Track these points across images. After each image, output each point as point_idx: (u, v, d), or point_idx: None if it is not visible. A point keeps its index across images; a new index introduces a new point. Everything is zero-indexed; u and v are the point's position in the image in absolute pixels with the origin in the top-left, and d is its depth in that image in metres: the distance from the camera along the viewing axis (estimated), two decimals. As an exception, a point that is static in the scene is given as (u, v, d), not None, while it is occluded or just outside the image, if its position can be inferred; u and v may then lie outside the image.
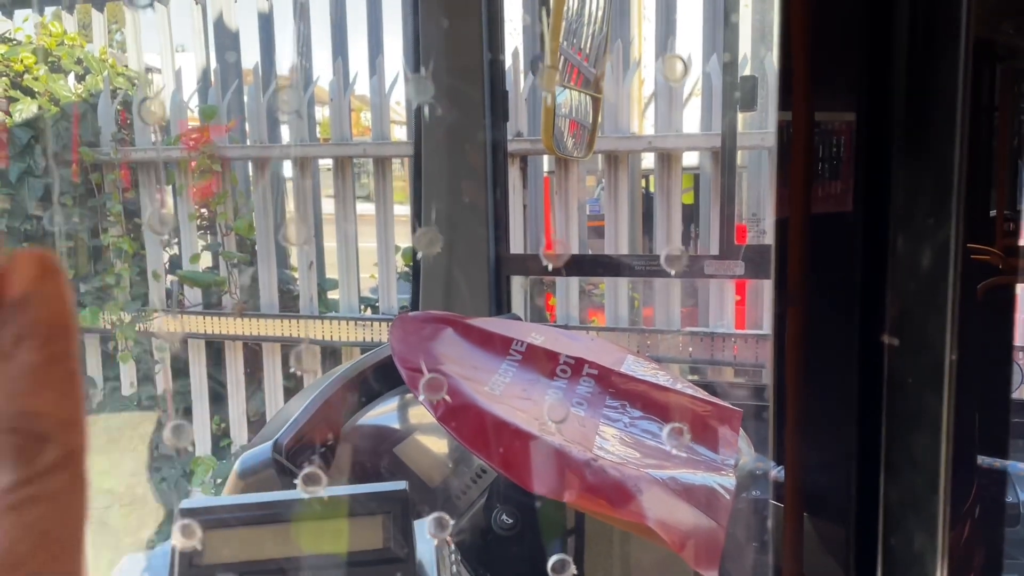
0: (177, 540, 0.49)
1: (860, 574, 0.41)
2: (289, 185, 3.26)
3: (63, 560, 0.20)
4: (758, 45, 2.46)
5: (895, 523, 0.39)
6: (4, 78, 3.19)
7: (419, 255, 1.71)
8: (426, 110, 1.64)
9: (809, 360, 0.45)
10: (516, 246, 2.52)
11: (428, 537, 0.67)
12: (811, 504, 0.46)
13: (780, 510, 0.51)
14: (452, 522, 0.50)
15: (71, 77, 3.33)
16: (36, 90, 3.21)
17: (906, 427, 0.38)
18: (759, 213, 2.50)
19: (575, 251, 2.63)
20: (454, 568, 0.68)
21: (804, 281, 0.46)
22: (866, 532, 0.41)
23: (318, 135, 3.31)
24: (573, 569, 0.41)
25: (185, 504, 0.61)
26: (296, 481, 0.39)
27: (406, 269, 3.08)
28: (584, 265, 1.87)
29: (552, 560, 0.41)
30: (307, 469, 0.39)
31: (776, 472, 1.17)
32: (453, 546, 0.71)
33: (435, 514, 0.49)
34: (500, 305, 1.73)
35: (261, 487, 0.87)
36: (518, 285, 2.35)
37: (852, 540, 0.41)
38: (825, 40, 0.47)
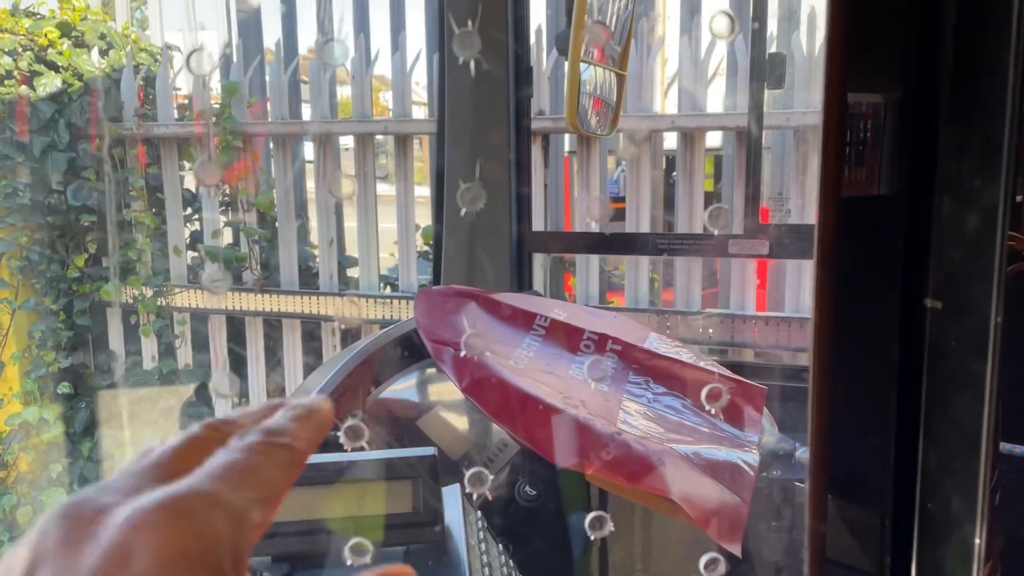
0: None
1: (896, 538, 0.41)
2: (309, 167, 3.27)
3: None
4: (785, 23, 2.43)
5: (933, 488, 0.39)
6: (28, 52, 3.21)
7: (443, 234, 1.71)
8: (448, 88, 1.63)
9: (842, 334, 0.44)
10: (537, 225, 2.51)
11: (455, 503, 0.68)
12: (844, 473, 0.46)
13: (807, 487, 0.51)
14: (491, 476, 0.50)
15: (95, 52, 3.35)
16: (60, 64, 3.23)
17: (948, 391, 0.38)
18: (785, 192, 2.48)
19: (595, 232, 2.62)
20: (480, 534, 0.68)
21: (836, 254, 0.46)
22: (903, 497, 0.41)
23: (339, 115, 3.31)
24: (611, 526, 0.41)
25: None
26: (339, 434, 0.39)
27: (426, 248, 3.08)
28: (608, 243, 1.86)
29: (589, 517, 0.41)
30: (349, 422, 0.39)
31: (800, 452, 1.17)
32: (479, 513, 0.72)
33: (474, 469, 0.50)
34: (522, 283, 1.73)
35: (288, 454, 0.88)
36: (538, 265, 2.35)
37: (888, 505, 0.41)
38: (873, 11, 0.46)
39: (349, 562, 0.36)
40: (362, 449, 0.38)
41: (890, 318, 0.41)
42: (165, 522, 0.28)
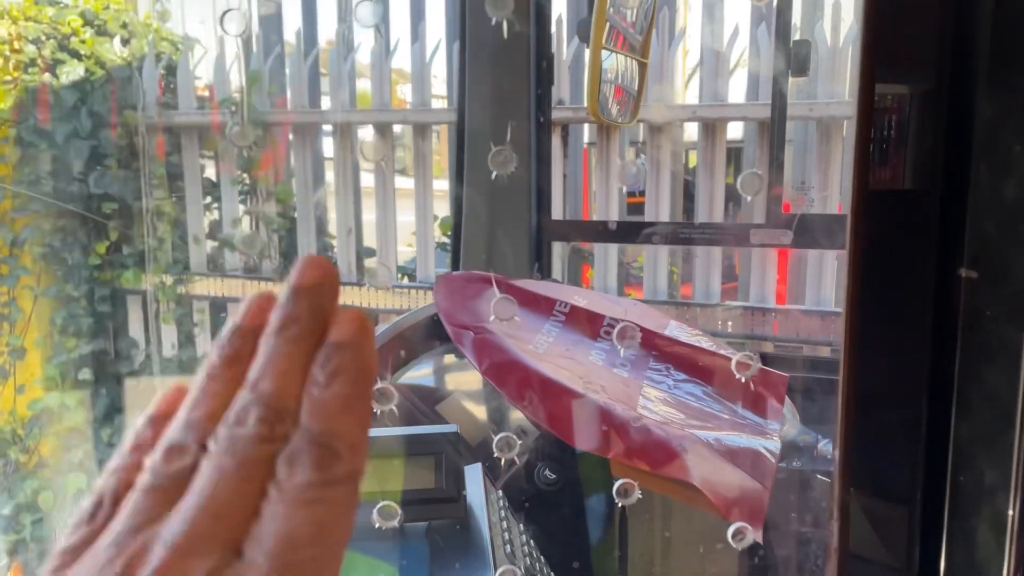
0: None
1: (926, 510, 0.40)
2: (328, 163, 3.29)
3: (330, 557, 0.24)
4: (809, 12, 2.41)
5: (965, 459, 0.38)
6: (52, 40, 3.24)
7: (462, 223, 1.71)
8: (469, 76, 1.63)
9: (873, 304, 0.44)
10: (556, 216, 2.50)
11: (477, 482, 0.68)
12: (876, 445, 0.45)
13: (831, 476, 0.51)
14: (520, 441, 0.50)
15: (117, 41, 3.37)
16: (83, 53, 3.25)
17: (981, 361, 0.37)
18: (807, 183, 2.47)
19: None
20: (502, 512, 0.68)
21: (866, 221, 0.45)
22: (934, 468, 0.40)
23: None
24: (638, 493, 0.41)
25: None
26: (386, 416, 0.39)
27: (444, 239, 3.09)
28: (628, 232, 1.86)
29: (617, 483, 0.41)
30: (379, 384, 0.39)
31: (822, 445, 1.16)
32: (501, 492, 0.72)
33: (503, 434, 0.50)
34: (541, 271, 1.73)
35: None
36: (556, 255, 2.34)
37: (920, 477, 0.41)
38: (904, 6, 0.45)
39: (377, 524, 0.36)
40: (392, 412, 0.38)
41: (924, 288, 0.40)
42: None
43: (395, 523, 0.35)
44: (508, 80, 1.66)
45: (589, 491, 1.00)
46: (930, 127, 0.43)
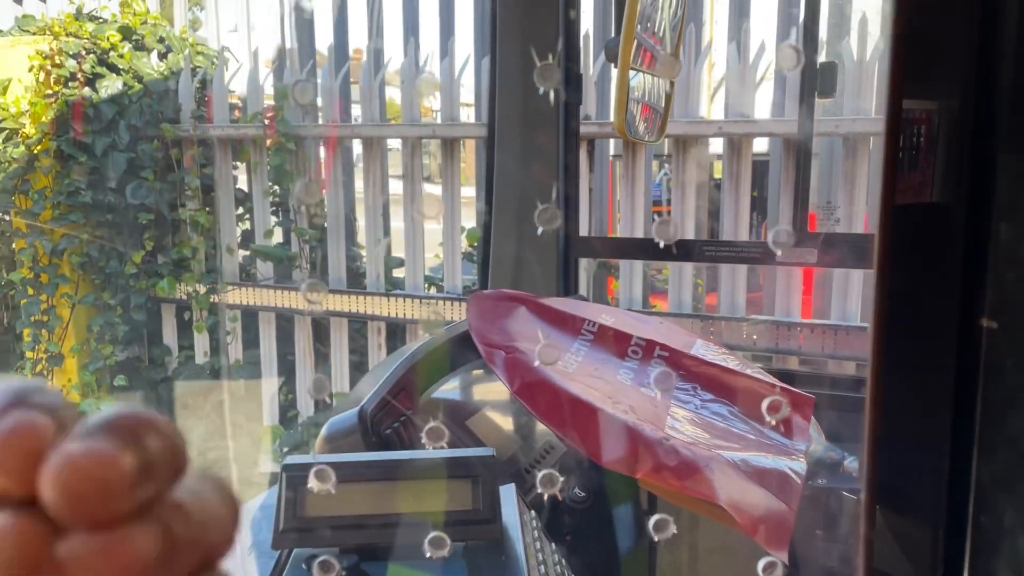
0: (312, 483, 0.52)
1: (948, 549, 0.42)
2: (358, 169, 3.33)
3: None
4: (836, 30, 2.42)
5: (986, 502, 0.40)
6: (91, 55, 3.32)
7: (491, 237, 1.73)
8: (499, 91, 1.66)
9: (896, 349, 0.46)
10: (581, 228, 2.52)
11: (511, 503, 0.71)
12: (897, 485, 0.47)
13: (857, 499, 0.53)
14: (562, 478, 0.52)
15: (154, 55, 3.45)
16: (121, 67, 3.33)
17: (1003, 408, 0.39)
18: (833, 201, 2.47)
19: (639, 237, 2.64)
20: (535, 533, 0.71)
21: (892, 269, 0.47)
22: (955, 510, 0.42)
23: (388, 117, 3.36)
24: (673, 528, 0.43)
25: (290, 460, 0.65)
26: (422, 435, 0.42)
27: (470, 250, 3.12)
28: (655, 249, 1.87)
29: (654, 519, 0.43)
30: (431, 424, 0.42)
31: (849, 462, 1.17)
32: (534, 513, 0.74)
33: (545, 471, 0.52)
34: (568, 286, 1.75)
35: (347, 451, 0.92)
36: (581, 268, 2.36)
37: (941, 517, 0.43)
38: (932, 22, 0.47)
39: (428, 554, 0.38)
40: (443, 449, 0.41)
41: (947, 335, 0.42)
42: None
43: (444, 552, 0.37)
44: (537, 97, 1.69)
45: (619, 510, 1.02)
46: (955, 166, 0.45)
